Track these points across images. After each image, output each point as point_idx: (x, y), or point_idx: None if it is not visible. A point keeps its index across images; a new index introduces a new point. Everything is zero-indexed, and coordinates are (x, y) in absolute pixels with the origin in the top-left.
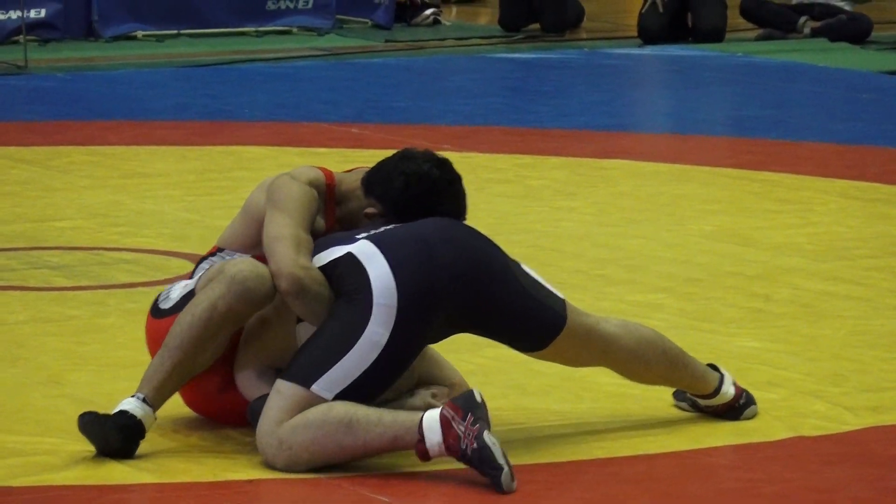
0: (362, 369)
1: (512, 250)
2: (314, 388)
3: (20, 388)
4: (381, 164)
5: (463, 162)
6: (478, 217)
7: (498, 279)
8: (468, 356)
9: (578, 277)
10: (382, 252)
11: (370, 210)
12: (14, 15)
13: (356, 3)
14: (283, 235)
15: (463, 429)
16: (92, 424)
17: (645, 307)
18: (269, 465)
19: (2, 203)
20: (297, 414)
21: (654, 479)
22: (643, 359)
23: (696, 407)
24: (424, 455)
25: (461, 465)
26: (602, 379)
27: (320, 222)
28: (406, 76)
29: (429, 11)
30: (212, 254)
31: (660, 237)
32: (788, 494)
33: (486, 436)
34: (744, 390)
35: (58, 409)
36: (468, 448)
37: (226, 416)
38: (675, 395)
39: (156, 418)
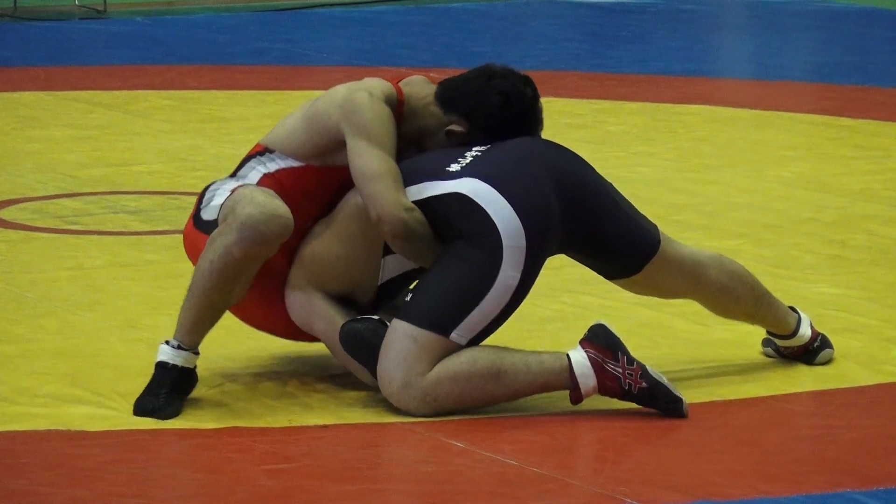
0: (497, 313)
1: None
2: (453, 336)
3: (97, 333)
4: (465, 81)
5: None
6: None
7: (597, 200)
8: (545, 302)
9: (656, 222)
10: (499, 191)
11: (455, 128)
12: None
13: None
14: (381, 173)
15: (620, 370)
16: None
17: (722, 253)
18: (408, 413)
19: (81, 147)
20: (434, 361)
21: (729, 426)
22: (733, 293)
23: (779, 353)
24: (578, 400)
25: (530, 411)
26: (679, 325)
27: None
28: (485, 21)
29: None
30: (259, 153)
31: (737, 183)
32: (866, 441)
33: (653, 373)
34: (820, 334)
35: (135, 354)
36: (634, 387)
37: (273, 327)
38: (763, 341)
39: (197, 353)
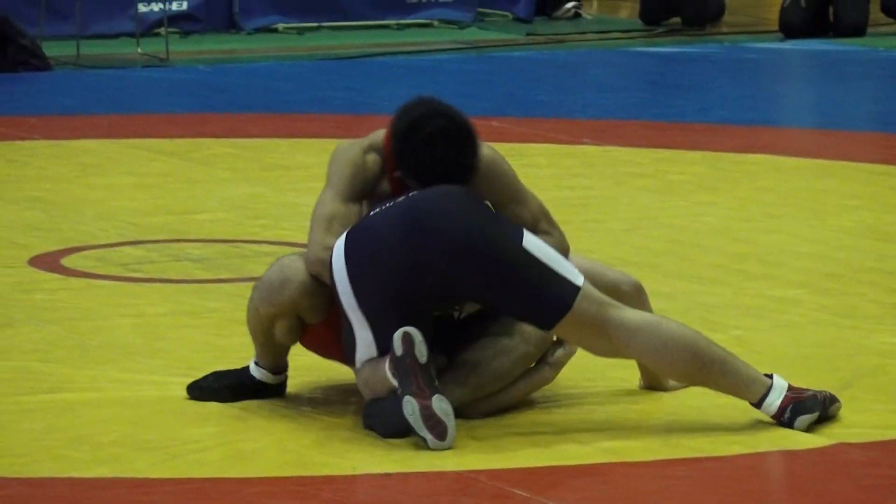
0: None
1: (651, 245)
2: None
3: (160, 381)
4: (394, 128)
5: (603, 156)
6: (617, 211)
7: (495, 264)
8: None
9: (717, 272)
10: (345, 253)
11: (397, 174)
12: (156, 7)
13: None
14: (318, 215)
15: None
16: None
17: (783, 302)
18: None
19: (143, 195)
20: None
21: (794, 476)
22: (667, 359)
23: None
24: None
25: (599, 460)
26: None
27: (385, 186)
28: (546, 70)
29: (570, 5)
30: None
31: (799, 232)
32: None
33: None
34: (792, 401)
35: (197, 402)
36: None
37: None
38: None
39: (278, 373)
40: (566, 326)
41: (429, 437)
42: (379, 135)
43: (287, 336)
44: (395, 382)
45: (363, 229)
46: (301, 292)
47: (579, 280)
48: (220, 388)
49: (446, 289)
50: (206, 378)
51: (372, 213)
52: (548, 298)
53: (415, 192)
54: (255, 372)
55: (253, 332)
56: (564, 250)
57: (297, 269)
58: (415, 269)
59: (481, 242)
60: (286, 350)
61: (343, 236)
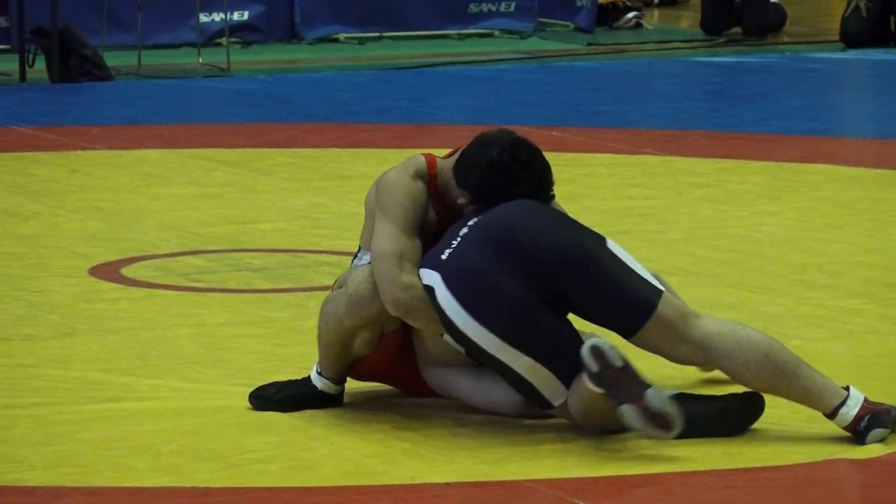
0: (550, 373)
1: (712, 255)
2: (555, 403)
3: (220, 390)
4: (464, 153)
5: (664, 166)
6: (678, 221)
7: (575, 269)
8: None
9: (779, 282)
10: (448, 286)
11: (462, 200)
12: (217, 17)
13: (558, 6)
14: (385, 253)
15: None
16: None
17: (845, 312)
18: None
19: (204, 205)
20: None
21: (854, 485)
22: (740, 359)
23: None
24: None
25: (659, 470)
26: None
27: (431, 214)
28: (608, 80)
29: (631, 15)
30: (356, 252)
31: (860, 242)
32: None
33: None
34: (870, 412)
35: (257, 412)
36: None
37: (398, 383)
38: None
39: (339, 384)
40: (649, 330)
41: (661, 433)
42: (419, 161)
43: (367, 347)
44: (600, 391)
45: (461, 268)
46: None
47: (659, 285)
48: (281, 399)
49: (557, 296)
50: (268, 388)
51: (450, 244)
52: (634, 300)
53: (492, 211)
54: (318, 382)
55: (328, 345)
56: None
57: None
58: (528, 279)
59: (576, 247)
60: (348, 365)
61: (437, 278)
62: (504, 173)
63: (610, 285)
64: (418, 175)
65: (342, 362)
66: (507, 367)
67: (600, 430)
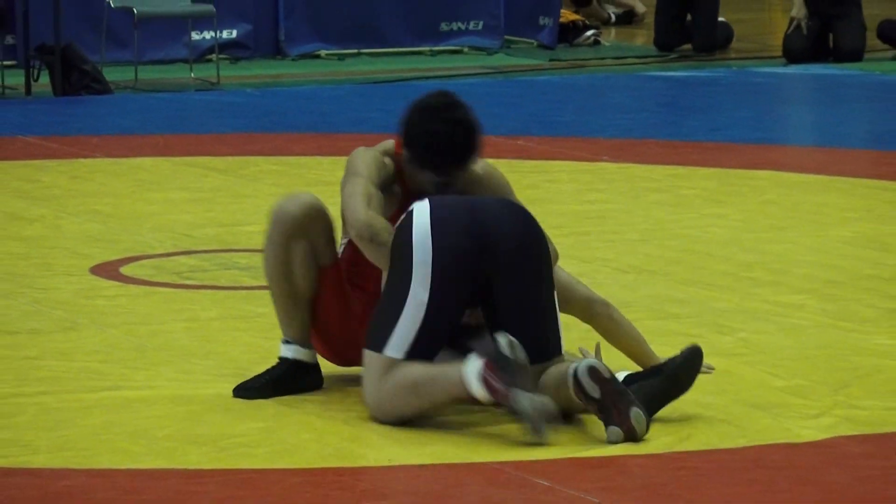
0: (416, 330)
1: (664, 254)
2: (386, 352)
3: (212, 380)
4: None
5: (620, 172)
6: (634, 223)
7: (530, 276)
8: None
9: (727, 279)
10: (430, 209)
11: (404, 155)
12: (208, 35)
13: (523, 24)
14: (355, 192)
15: (500, 387)
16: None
17: (788, 307)
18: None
19: (196, 209)
20: (378, 376)
21: (795, 467)
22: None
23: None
24: (476, 402)
25: (616, 453)
26: (745, 372)
27: (397, 188)
28: (568, 93)
29: (590, 33)
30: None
31: (803, 242)
32: None
33: (522, 402)
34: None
35: (245, 400)
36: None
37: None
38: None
39: (308, 347)
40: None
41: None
42: (388, 142)
43: (306, 273)
44: (484, 395)
45: (447, 204)
46: (306, 206)
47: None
48: (260, 385)
49: (493, 282)
50: (248, 381)
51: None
52: (543, 342)
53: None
54: (288, 351)
55: (278, 295)
56: (556, 256)
57: (305, 193)
58: (483, 253)
59: (537, 250)
60: (307, 319)
61: (427, 202)
62: (432, 142)
63: (539, 305)
64: (387, 153)
65: (298, 312)
66: (401, 296)
67: None
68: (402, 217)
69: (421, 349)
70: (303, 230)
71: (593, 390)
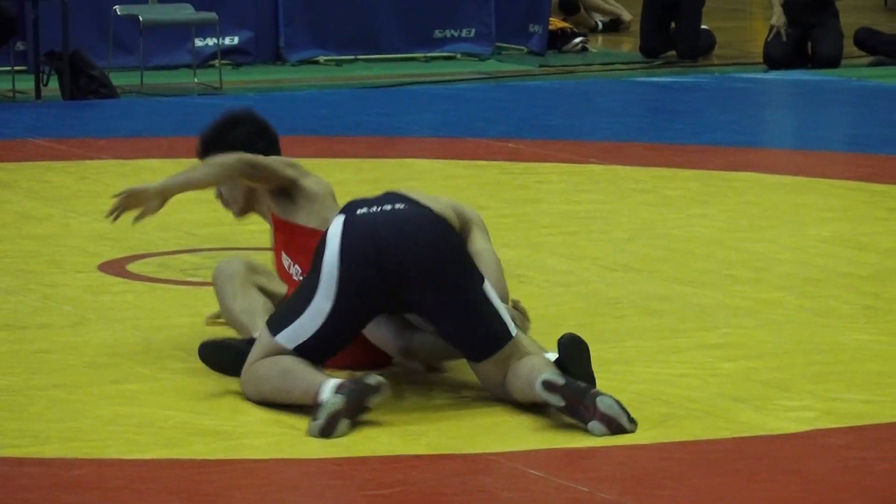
0: (312, 332)
1: (650, 253)
2: (278, 337)
3: (215, 373)
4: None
5: (608, 174)
6: (621, 223)
7: (451, 290)
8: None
9: (709, 276)
10: (342, 234)
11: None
12: (211, 42)
13: (513, 32)
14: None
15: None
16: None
17: (768, 304)
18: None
19: (200, 208)
20: (262, 355)
21: (776, 458)
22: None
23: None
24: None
25: (605, 444)
26: (727, 366)
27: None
28: (557, 97)
29: (578, 40)
30: None
31: (782, 241)
32: None
33: (329, 401)
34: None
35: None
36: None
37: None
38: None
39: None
40: (489, 364)
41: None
42: None
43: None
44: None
45: (361, 218)
46: (246, 262)
47: (514, 330)
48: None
49: (408, 297)
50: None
51: (363, 207)
52: (486, 336)
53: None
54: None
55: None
56: (480, 222)
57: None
58: (391, 281)
59: (453, 262)
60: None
61: (341, 214)
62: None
63: (474, 318)
64: None
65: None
66: (306, 298)
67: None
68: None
69: (311, 349)
70: (249, 279)
71: (557, 401)
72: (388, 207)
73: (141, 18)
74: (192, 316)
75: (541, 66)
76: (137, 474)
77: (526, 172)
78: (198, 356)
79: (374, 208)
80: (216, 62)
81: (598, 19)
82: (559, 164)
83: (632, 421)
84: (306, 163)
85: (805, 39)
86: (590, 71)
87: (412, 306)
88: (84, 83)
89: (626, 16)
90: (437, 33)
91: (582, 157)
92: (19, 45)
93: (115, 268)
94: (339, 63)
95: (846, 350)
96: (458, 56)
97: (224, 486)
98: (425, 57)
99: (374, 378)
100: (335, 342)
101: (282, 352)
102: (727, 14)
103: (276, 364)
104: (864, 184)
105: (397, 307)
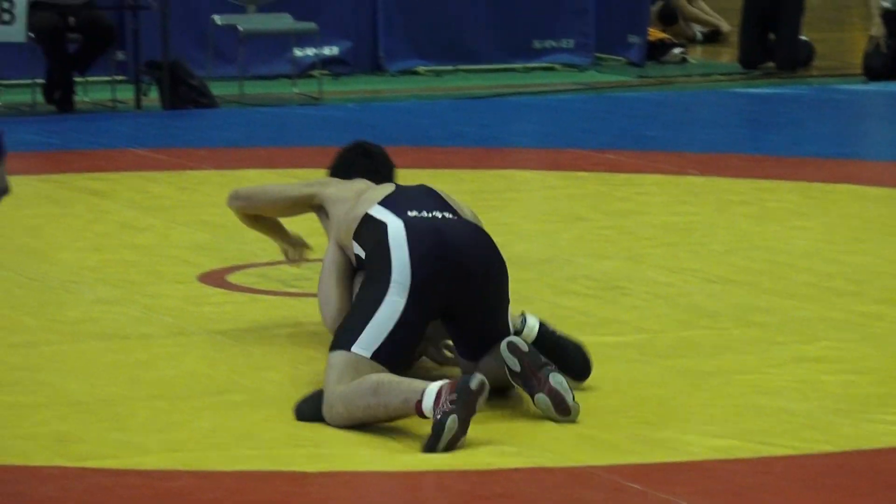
0: (387, 332)
1: (749, 265)
2: (354, 349)
3: (316, 385)
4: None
5: (707, 185)
6: (719, 235)
7: (494, 299)
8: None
9: (809, 289)
10: (404, 224)
11: None
12: (310, 52)
13: (613, 42)
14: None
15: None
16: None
17: (869, 317)
18: (328, 422)
19: (299, 218)
20: (344, 376)
21: (878, 472)
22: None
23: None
24: (421, 414)
25: (704, 457)
26: (828, 379)
27: None
28: (656, 108)
29: (677, 50)
30: None
31: (882, 254)
32: None
33: (449, 419)
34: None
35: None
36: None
37: None
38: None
39: None
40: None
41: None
42: None
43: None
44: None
45: (420, 220)
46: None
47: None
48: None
49: (462, 296)
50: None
51: (411, 210)
52: (504, 332)
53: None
54: None
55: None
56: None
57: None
58: (456, 273)
59: (499, 276)
60: None
61: (391, 215)
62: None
63: (499, 317)
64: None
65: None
66: (377, 299)
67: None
68: (360, 225)
69: (387, 353)
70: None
71: (514, 364)
72: (439, 215)
73: (240, 28)
74: (292, 326)
75: (640, 76)
76: (236, 486)
77: (625, 184)
78: (294, 417)
79: (425, 213)
80: (315, 72)
81: (697, 30)
82: (658, 175)
83: (574, 401)
84: (404, 173)
85: None
86: (689, 82)
87: (461, 305)
88: (184, 93)
89: (725, 26)
90: (536, 44)
91: (681, 168)
92: (119, 55)
93: (214, 279)
94: (438, 73)
95: None
96: (557, 67)
97: (321, 499)
98: (524, 67)
99: (475, 380)
100: (407, 343)
101: (359, 363)
102: (826, 25)
103: (363, 383)
104: None
105: (448, 306)
